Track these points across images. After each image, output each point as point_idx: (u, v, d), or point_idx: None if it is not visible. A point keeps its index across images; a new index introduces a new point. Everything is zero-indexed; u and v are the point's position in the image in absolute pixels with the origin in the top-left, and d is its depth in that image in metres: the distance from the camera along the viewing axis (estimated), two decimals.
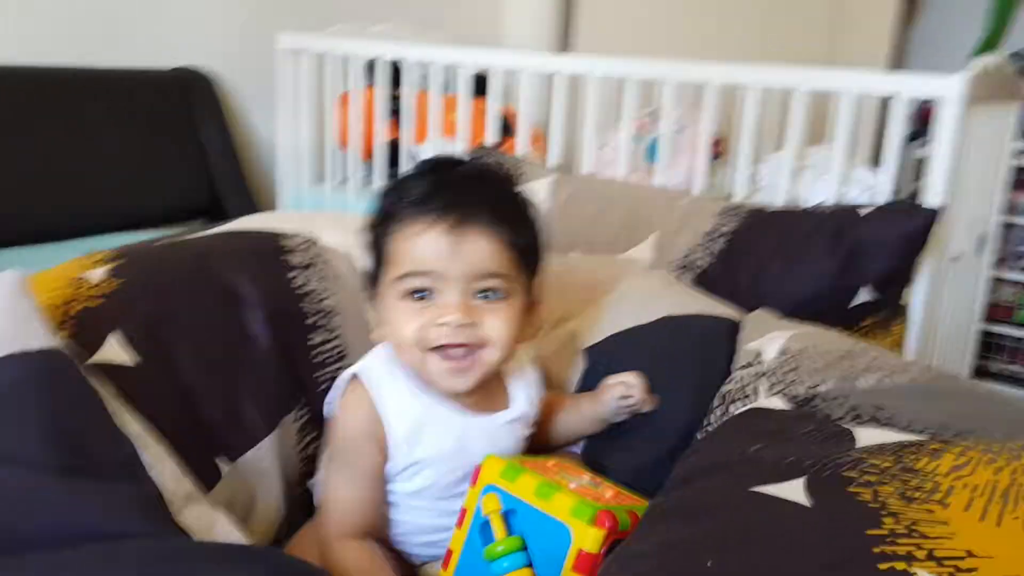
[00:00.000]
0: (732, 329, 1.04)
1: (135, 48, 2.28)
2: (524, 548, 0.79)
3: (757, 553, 0.56)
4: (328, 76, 2.38)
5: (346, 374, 0.86)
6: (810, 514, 0.60)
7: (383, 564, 0.81)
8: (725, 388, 0.93)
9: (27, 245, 1.84)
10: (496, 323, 0.79)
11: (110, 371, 0.82)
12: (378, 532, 0.85)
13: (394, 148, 2.29)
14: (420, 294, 0.78)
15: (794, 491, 0.62)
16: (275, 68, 2.34)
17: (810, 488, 0.63)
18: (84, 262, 0.95)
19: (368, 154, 2.39)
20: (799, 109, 1.66)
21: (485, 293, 0.78)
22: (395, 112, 2.35)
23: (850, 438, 0.71)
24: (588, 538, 0.74)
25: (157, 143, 2.22)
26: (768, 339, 0.97)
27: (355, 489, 0.83)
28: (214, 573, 0.56)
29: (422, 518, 0.87)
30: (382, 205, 0.82)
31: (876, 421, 0.74)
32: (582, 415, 0.98)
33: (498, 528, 0.79)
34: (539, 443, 0.98)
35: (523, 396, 0.90)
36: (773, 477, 0.64)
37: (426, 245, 0.76)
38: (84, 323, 0.84)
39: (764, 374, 0.90)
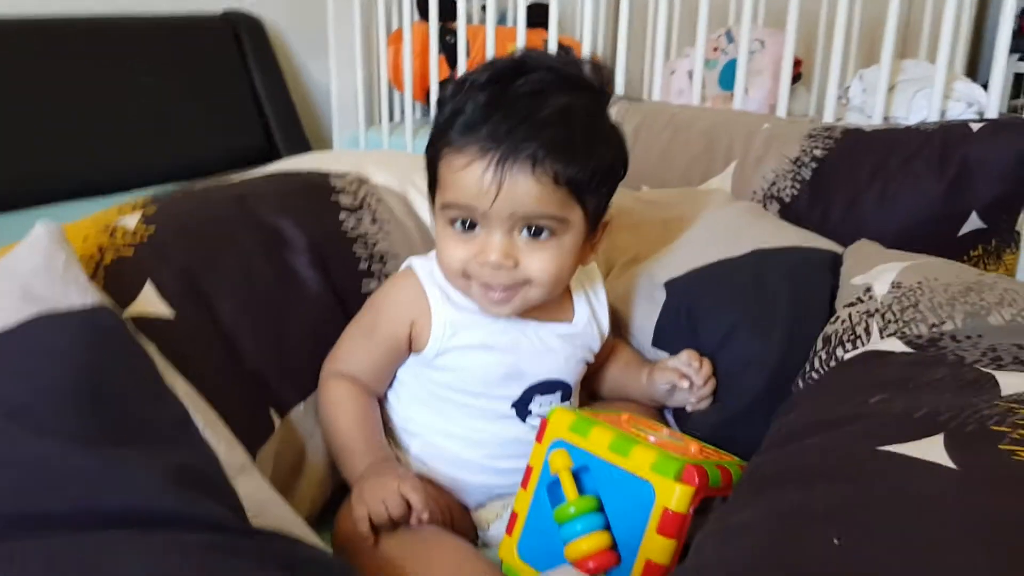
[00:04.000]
0: (833, 262, 0.93)
1: None
2: (600, 509, 0.70)
3: (895, 527, 0.46)
4: (379, 13, 2.28)
5: (402, 265, 0.86)
6: (956, 478, 0.49)
7: (371, 404, 0.84)
8: (829, 329, 0.82)
9: (78, 199, 1.81)
10: (540, 262, 0.74)
11: (148, 325, 0.75)
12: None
13: None
14: (466, 223, 0.74)
15: (932, 450, 0.52)
16: (325, 7, 2.25)
17: (951, 447, 0.52)
18: (122, 208, 0.88)
19: (423, 94, 2.29)
20: (894, 16, 1.49)
21: (531, 230, 0.73)
22: (450, 48, 2.24)
23: (992, 384, 0.60)
24: (674, 496, 0.65)
25: (209, 89, 2.17)
26: (877, 272, 0.85)
27: (369, 348, 0.84)
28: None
29: (463, 418, 0.83)
30: (439, 118, 0.76)
31: (1022, 364, 0.62)
32: (635, 381, 0.92)
33: (569, 487, 0.71)
34: (587, 391, 0.95)
35: (585, 313, 0.87)
36: (904, 434, 0.54)
37: (470, 180, 0.71)
38: (117, 274, 0.77)
39: (876, 312, 0.78)
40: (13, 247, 0.73)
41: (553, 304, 0.84)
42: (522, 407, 0.83)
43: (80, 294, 0.68)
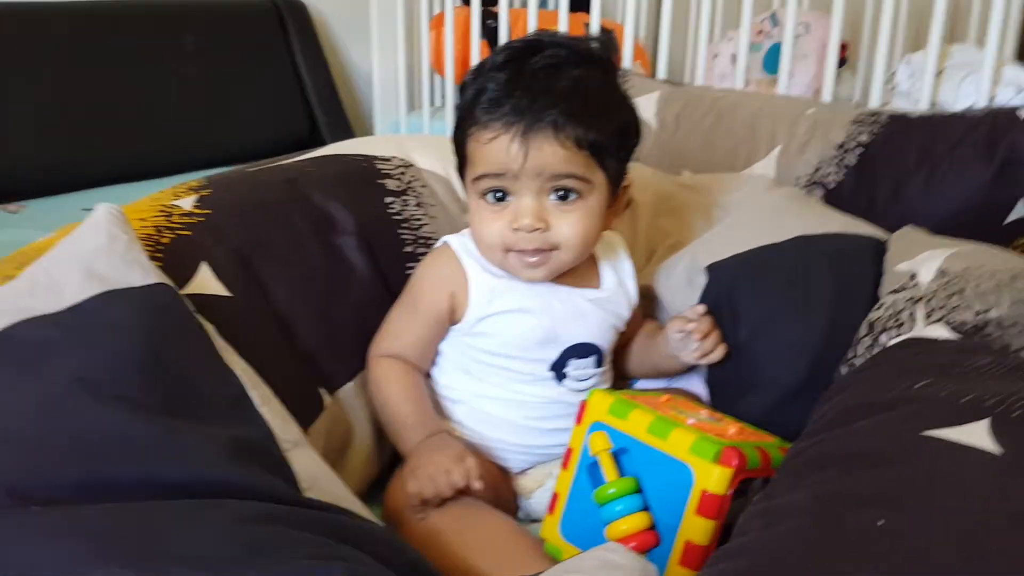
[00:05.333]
0: (878, 249, 0.92)
1: None
2: (639, 490, 0.71)
3: (938, 510, 0.46)
4: None
5: (437, 243, 0.91)
6: (1000, 463, 0.50)
7: (419, 379, 0.88)
8: (873, 315, 0.82)
9: (127, 182, 1.85)
10: (568, 226, 0.80)
11: (204, 304, 0.77)
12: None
13: None
14: (497, 194, 0.80)
15: (977, 435, 0.52)
16: None
17: (996, 432, 0.52)
18: (177, 190, 0.91)
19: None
20: (942, 0, 1.46)
21: (559, 193, 0.79)
22: (491, 32, 2.24)
23: None
24: (713, 478, 0.66)
25: (254, 75, 2.19)
26: (922, 259, 0.85)
27: (413, 323, 0.87)
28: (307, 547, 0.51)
29: (503, 381, 0.86)
30: (462, 102, 0.82)
31: None
32: (656, 345, 0.94)
33: (608, 469, 0.72)
34: (618, 371, 0.98)
35: (612, 279, 0.91)
36: (949, 419, 0.54)
37: (498, 151, 0.77)
38: (174, 254, 0.80)
39: (921, 299, 0.78)
40: (75, 227, 0.76)
41: (581, 272, 0.88)
42: (558, 370, 0.87)
43: (142, 273, 0.71)
